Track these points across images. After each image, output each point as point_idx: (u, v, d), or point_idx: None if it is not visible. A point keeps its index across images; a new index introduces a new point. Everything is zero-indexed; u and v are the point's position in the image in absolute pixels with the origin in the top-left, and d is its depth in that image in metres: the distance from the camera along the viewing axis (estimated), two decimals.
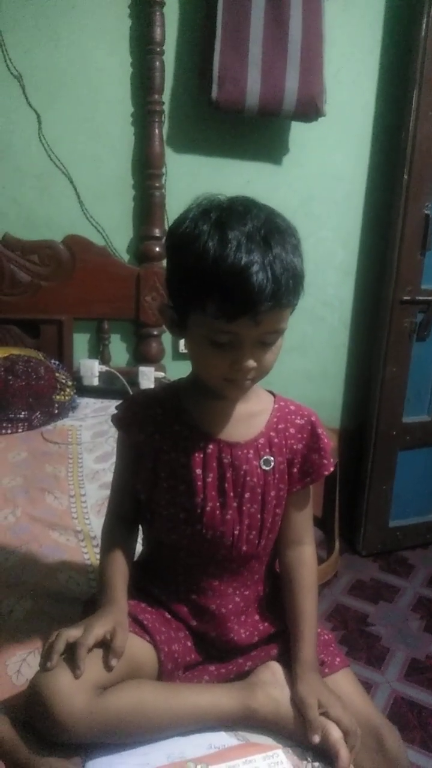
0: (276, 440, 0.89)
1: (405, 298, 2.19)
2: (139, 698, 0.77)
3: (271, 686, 0.83)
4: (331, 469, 0.91)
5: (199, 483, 0.86)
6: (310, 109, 1.93)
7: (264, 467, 0.88)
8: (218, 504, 0.87)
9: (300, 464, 0.90)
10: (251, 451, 0.88)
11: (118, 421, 0.93)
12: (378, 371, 2.27)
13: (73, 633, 0.77)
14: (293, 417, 0.91)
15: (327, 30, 1.91)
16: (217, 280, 0.71)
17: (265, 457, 0.88)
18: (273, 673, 0.86)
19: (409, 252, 2.16)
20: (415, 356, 2.29)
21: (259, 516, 0.88)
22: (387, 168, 2.24)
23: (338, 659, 0.92)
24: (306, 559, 0.94)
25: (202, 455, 0.87)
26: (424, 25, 1.98)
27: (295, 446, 0.90)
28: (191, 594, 0.90)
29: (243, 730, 0.81)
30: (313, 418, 0.92)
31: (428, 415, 2.40)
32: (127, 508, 0.95)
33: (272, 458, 0.88)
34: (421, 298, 2.22)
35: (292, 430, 0.90)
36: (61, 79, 1.92)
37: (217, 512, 0.87)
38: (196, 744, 0.78)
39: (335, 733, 0.79)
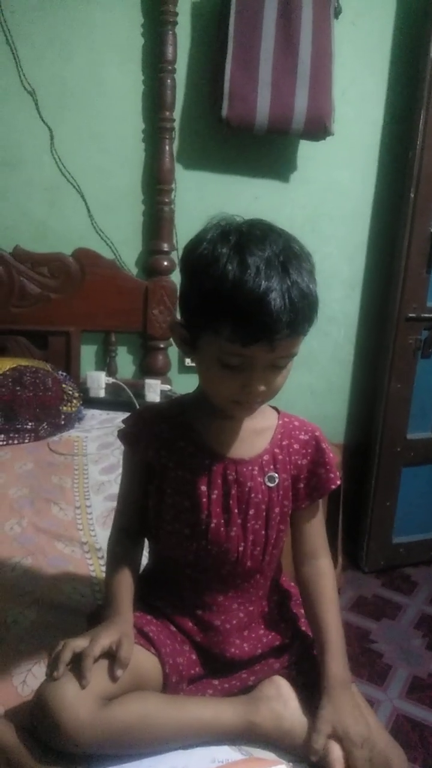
0: (280, 457, 0.90)
1: (410, 315, 2.20)
2: (143, 710, 0.78)
3: (274, 701, 0.83)
4: (338, 482, 0.91)
5: (204, 500, 0.87)
6: (318, 128, 1.95)
7: (269, 484, 0.89)
8: (223, 521, 0.87)
9: (306, 480, 0.91)
10: (256, 468, 0.88)
11: (124, 436, 0.93)
12: (382, 387, 2.28)
13: (79, 643, 0.78)
14: (297, 433, 0.92)
15: (336, 49, 1.94)
16: (234, 305, 0.71)
17: (269, 474, 0.89)
18: (277, 687, 0.86)
19: (414, 269, 2.17)
20: (420, 373, 2.30)
21: (263, 532, 0.89)
22: (393, 186, 2.26)
23: None
24: (324, 571, 0.94)
25: (207, 472, 0.87)
26: (431, 46, 2.00)
27: (300, 462, 0.91)
28: (196, 609, 0.91)
29: (247, 744, 0.81)
30: (317, 434, 0.92)
31: None
32: (133, 522, 0.96)
33: (276, 475, 0.89)
34: (426, 315, 2.23)
35: (296, 446, 0.91)
36: (74, 94, 1.95)
37: (222, 529, 0.87)
38: (200, 757, 0.78)
39: (336, 752, 0.78)
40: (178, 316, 0.85)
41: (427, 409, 2.37)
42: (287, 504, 0.90)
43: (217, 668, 0.90)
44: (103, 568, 1.17)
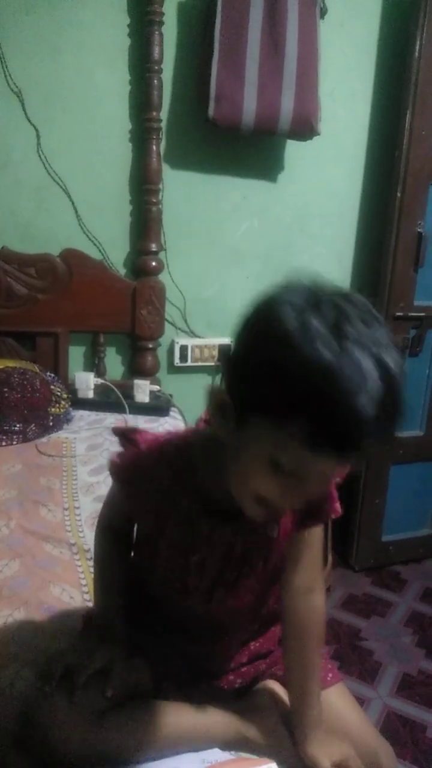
0: None
1: (398, 313, 2.21)
2: (134, 728, 0.77)
3: (266, 713, 0.83)
4: (339, 512, 0.80)
5: (200, 565, 0.79)
6: (305, 128, 1.96)
7: (270, 534, 0.79)
8: (211, 583, 0.80)
9: (306, 508, 0.78)
10: (260, 526, 0.78)
11: (119, 478, 0.82)
12: None
13: (71, 661, 0.76)
14: None
15: (322, 50, 1.95)
16: (320, 401, 0.56)
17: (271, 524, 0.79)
18: (270, 695, 0.85)
19: (402, 268, 2.18)
20: (409, 371, 2.26)
21: (257, 586, 0.82)
22: (381, 186, 2.27)
23: (330, 675, 0.91)
24: (319, 609, 0.85)
25: (209, 535, 0.78)
26: (417, 47, 2.02)
27: None
28: (179, 630, 0.87)
29: (237, 749, 0.82)
30: None
31: (421, 430, 2.41)
32: (121, 525, 0.91)
33: (276, 524, 0.79)
34: (413, 314, 2.24)
35: None
36: (61, 95, 1.94)
37: (212, 592, 0.81)
38: (189, 760, 0.78)
39: (325, 764, 0.79)
40: (220, 379, 0.70)
41: (415, 407, 2.38)
42: (286, 545, 0.81)
43: (206, 670, 0.89)
44: (91, 570, 1.16)
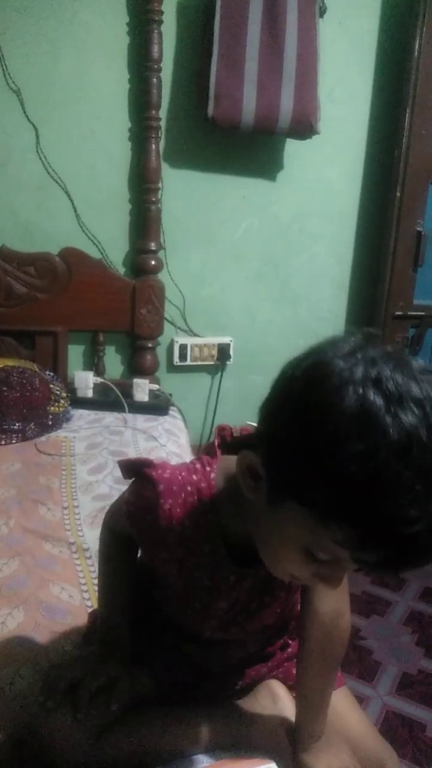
0: None
1: (397, 313, 2.22)
2: (138, 742, 0.76)
3: (267, 713, 0.82)
4: None
5: (219, 613, 0.75)
6: (304, 127, 1.95)
7: None
8: (225, 621, 0.77)
9: None
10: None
11: (138, 529, 0.73)
12: None
13: (75, 675, 0.76)
14: None
15: (322, 49, 1.95)
16: (374, 523, 0.49)
17: None
18: (272, 696, 0.85)
19: (401, 268, 2.19)
20: None
21: (278, 612, 0.79)
22: (380, 185, 2.27)
23: None
24: (345, 630, 0.80)
25: (229, 587, 0.72)
26: (416, 46, 2.02)
27: None
28: (185, 640, 0.84)
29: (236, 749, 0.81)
30: None
31: None
32: (126, 532, 0.84)
33: None
34: (413, 313, 2.24)
35: None
36: (60, 93, 1.94)
37: (225, 629, 0.77)
38: (188, 760, 0.78)
39: None
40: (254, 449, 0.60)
41: None
42: None
43: (207, 673, 0.88)
44: (91, 569, 1.17)
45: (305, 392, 0.53)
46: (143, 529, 0.72)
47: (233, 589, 0.72)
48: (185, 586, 0.73)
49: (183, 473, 0.70)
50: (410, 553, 0.50)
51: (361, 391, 0.49)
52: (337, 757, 0.80)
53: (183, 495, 0.69)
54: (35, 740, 0.72)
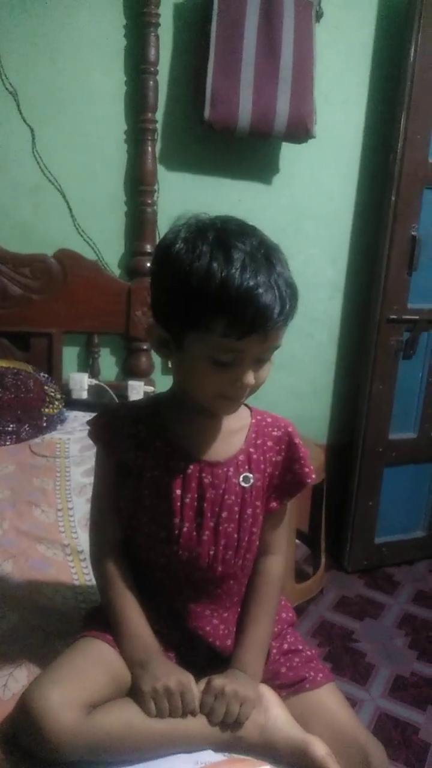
0: (255, 456, 0.89)
1: (392, 316, 2.22)
2: (127, 720, 0.77)
3: (257, 713, 0.83)
4: (313, 476, 0.91)
5: (178, 504, 0.86)
6: (300, 131, 1.96)
7: (243, 484, 0.88)
8: (195, 525, 0.86)
9: (281, 476, 0.91)
10: (231, 469, 0.88)
11: (99, 437, 0.91)
12: (365, 388, 2.29)
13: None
14: (270, 429, 0.91)
15: (318, 53, 1.96)
16: (227, 301, 0.72)
17: (244, 474, 0.88)
18: (265, 701, 0.85)
19: (396, 271, 2.19)
20: (402, 374, 2.32)
21: (235, 535, 0.88)
22: (375, 189, 2.28)
23: (321, 675, 0.91)
24: (266, 569, 0.93)
25: (182, 475, 0.86)
26: (412, 51, 2.03)
27: (274, 459, 0.90)
28: (170, 614, 0.90)
29: (229, 750, 0.81)
30: (289, 429, 0.92)
31: (414, 432, 2.42)
32: (116, 530, 0.92)
33: (251, 475, 0.88)
34: (407, 317, 2.25)
35: (270, 443, 0.91)
36: (56, 95, 1.94)
37: (194, 533, 0.87)
38: (183, 761, 0.78)
39: (321, 750, 0.79)
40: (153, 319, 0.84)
41: (408, 409, 2.39)
42: (259, 505, 0.89)
43: (197, 664, 0.89)
44: (85, 571, 1.17)
45: (154, 258, 0.82)
46: (107, 440, 0.90)
47: (188, 477, 0.86)
48: (149, 494, 0.87)
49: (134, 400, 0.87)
50: (268, 314, 0.73)
51: (186, 234, 0.76)
52: (244, 686, 0.83)
53: (134, 408, 0.93)
54: (26, 719, 0.72)
